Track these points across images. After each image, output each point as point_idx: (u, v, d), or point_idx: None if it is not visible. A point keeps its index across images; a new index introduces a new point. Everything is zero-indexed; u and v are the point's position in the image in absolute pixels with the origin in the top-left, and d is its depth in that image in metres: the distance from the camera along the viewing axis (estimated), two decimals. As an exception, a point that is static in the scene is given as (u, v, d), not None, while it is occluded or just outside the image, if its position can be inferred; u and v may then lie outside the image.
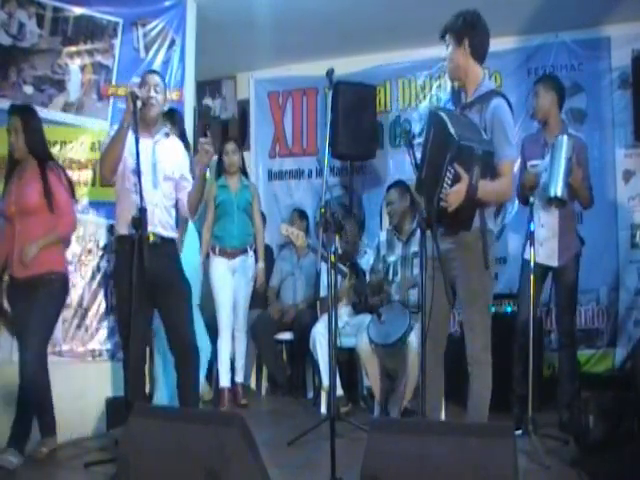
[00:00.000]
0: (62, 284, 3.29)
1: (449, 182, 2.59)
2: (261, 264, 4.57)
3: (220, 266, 4.45)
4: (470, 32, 2.77)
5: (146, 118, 3.19)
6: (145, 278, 2.95)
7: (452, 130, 2.60)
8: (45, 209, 3.21)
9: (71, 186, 3.36)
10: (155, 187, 3.21)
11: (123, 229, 3.20)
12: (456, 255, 2.75)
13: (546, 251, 3.56)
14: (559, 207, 3.47)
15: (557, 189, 3.32)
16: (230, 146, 4.59)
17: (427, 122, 2.82)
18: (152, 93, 3.20)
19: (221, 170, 4.63)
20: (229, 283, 4.46)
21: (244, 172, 4.74)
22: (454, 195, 2.59)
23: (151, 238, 3.12)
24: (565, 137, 3.39)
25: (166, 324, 3.28)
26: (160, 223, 3.23)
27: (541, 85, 3.77)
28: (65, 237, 3.38)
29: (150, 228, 3.14)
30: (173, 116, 3.88)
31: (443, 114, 2.70)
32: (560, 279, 3.69)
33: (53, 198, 3.22)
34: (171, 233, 3.31)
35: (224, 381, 4.41)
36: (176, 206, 3.39)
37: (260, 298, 5.05)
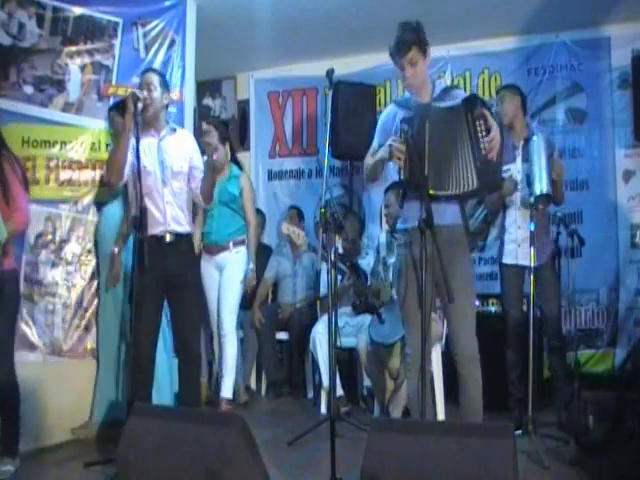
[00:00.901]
0: (16, 282, 3.06)
1: (483, 132, 2.68)
2: (251, 265, 4.25)
3: (204, 263, 4.24)
4: (427, 40, 2.82)
5: (145, 118, 3.19)
6: (144, 279, 2.97)
7: (455, 102, 2.73)
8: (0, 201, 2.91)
9: (25, 178, 3.08)
10: (165, 185, 3.23)
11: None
12: (446, 253, 2.72)
13: (525, 251, 3.60)
14: (544, 205, 3.48)
15: (543, 186, 3.34)
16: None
17: (419, 118, 2.74)
18: (145, 93, 3.21)
19: None
20: (215, 281, 4.23)
21: (237, 163, 4.44)
22: (494, 135, 2.68)
23: (167, 238, 3.21)
24: (540, 136, 3.45)
25: (175, 324, 3.30)
26: (173, 220, 3.26)
27: (506, 91, 3.82)
28: (16, 233, 3.04)
29: (160, 228, 3.20)
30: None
31: (434, 104, 2.79)
32: (539, 280, 3.69)
33: (8, 189, 2.92)
34: (186, 227, 3.33)
35: None
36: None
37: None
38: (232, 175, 4.31)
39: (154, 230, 3.17)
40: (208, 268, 4.25)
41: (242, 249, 4.26)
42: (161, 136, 3.29)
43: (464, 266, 2.82)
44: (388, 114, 2.95)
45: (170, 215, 3.24)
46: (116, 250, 3.54)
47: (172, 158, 3.28)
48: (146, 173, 3.18)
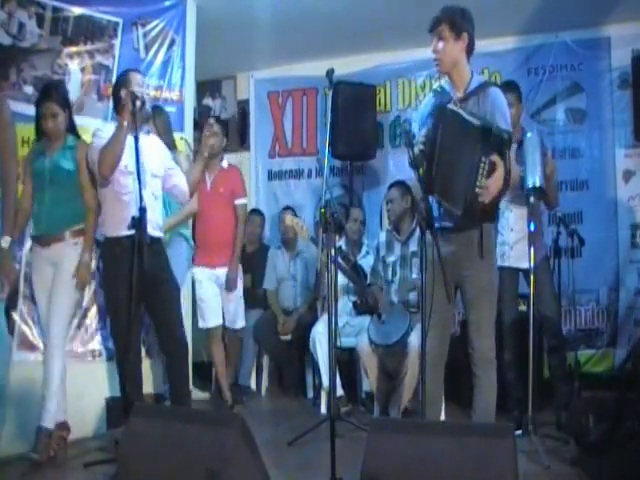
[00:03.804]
0: None
1: (485, 173, 2.58)
2: (86, 257, 3.28)
3: (34, 258, 3.38)
4: (469, 27, 2.77)
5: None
6: (145, 279, 2.97)
7: (475, 121, 2.60)
8: None
9: None
10: (144, 187, 3.19)
11: (112, 231, 3.22)
12: (466, 254, 2.74)
13: (517, 253, 3.61)
14: (537, 199, 3.42)
15: (536, 180, 3.31)
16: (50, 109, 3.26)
17: (434, 118, 2.72)
18: (143, 92, 3.21)
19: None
20: (47, 280, 3.28)
21: (74, 132, 3.40)
22: (494, 184, 2.57)
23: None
24: (535, 132, 3.42)
25: (157, 322, 3.29)
26: (150, 222, 3.21)
27: (512, 97, 3.65)
28: None
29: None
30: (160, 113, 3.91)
31: (453, 107, 2.68)
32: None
33: None
34: (159, 232, 3.32)
35: None
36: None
37: (260, 298, 5.04)
38: (66, 146, 3.32)
39: (129, 231, 3.08)
40: (39, 263, 3.33)
41: (81, 240, 3.30)
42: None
43: (482, 268, 2.76)
44: (426, 104, 2.93)
45: (148, 217, 3.11)
46: (4, 244, 2.97)
47: (150, 160, 3.26)
48: (127, 173, 3.17)
